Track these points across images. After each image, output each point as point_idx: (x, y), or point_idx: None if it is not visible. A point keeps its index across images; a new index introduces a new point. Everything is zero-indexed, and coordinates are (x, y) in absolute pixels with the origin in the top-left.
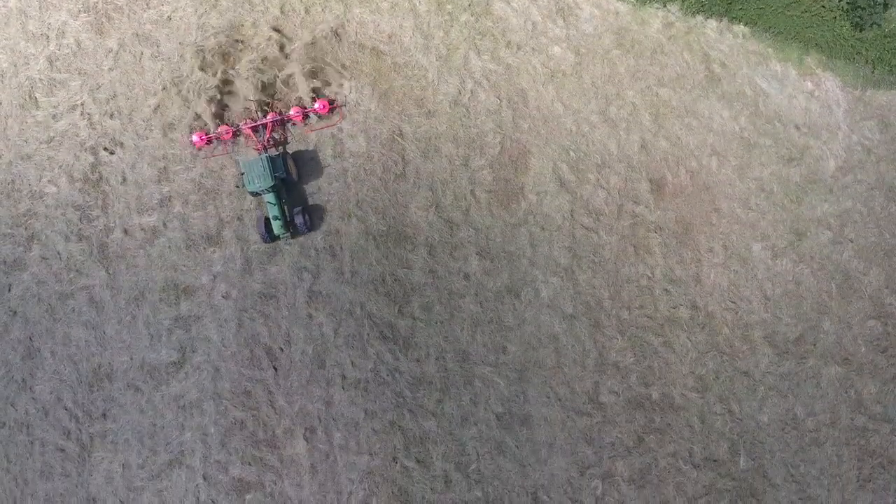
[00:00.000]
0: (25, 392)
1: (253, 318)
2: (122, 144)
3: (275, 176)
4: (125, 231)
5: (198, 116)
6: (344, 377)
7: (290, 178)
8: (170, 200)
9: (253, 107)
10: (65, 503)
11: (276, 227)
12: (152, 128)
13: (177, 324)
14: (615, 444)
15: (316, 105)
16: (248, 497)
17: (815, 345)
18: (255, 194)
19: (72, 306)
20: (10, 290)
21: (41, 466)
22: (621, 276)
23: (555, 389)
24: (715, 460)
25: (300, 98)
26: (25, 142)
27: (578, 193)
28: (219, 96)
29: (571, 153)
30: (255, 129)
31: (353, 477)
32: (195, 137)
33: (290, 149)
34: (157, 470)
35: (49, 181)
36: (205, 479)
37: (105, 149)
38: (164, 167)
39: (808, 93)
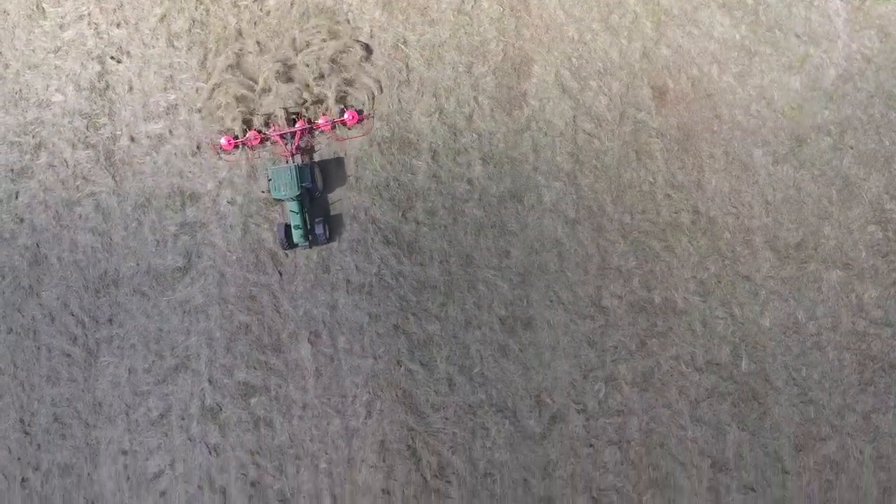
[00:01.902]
0: (32, 298)
1: (258, 223)
2: (128, 53)
3: (301, 185)
4: (132, 138)
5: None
6: (348, 282)
7: (315, 188)
8: (176, 108)
9: (282, 114)
10: (71, 407)
11: (297, 235)
12: (158, 37)
13: (182, 230)
14: (618, 347)
15: (345, 116)
16: (253, 400)
17: (815, 250)
18: (279, 201)
19: (78, 213)
20: (17, 198)
21: (47, 371)
22: (623, 182)
23: (558, 293)
24: (717, 364)
25: (329, 108)
26: (33, 51)
27: (580, 100)
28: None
29: (573, 60)
30: (283, 137)
31: (358, 380)
32: (223, 141)
33: (316, 157)
34: (162, 374)
35: (56, 90)
36: (210, 382)
37: (112, 58)
38: (171, 76)
39: (807, 2)
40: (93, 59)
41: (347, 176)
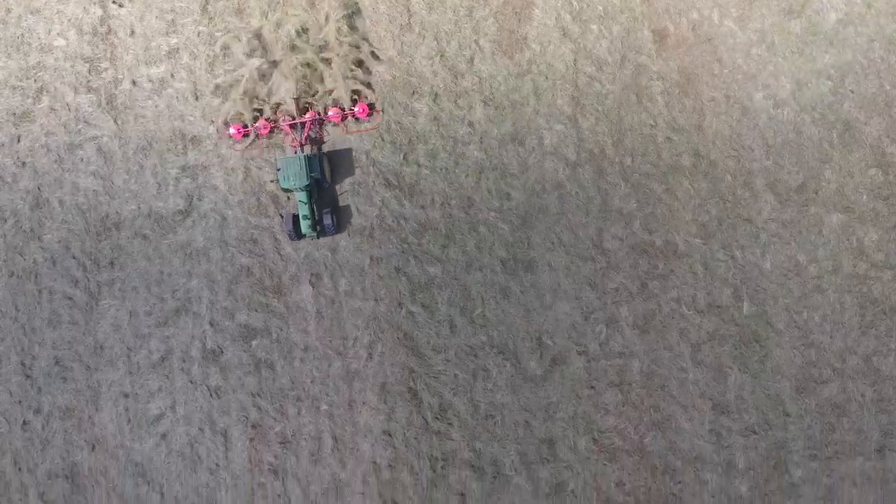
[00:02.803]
0: (34, 241)
1: (260, 166)
2: None
3: (310, 176)
4: (133, 82)
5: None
6: (349, 223)
7: (324, 179)
8: (178, 52)
9: (293, 105)
10: (72, 350)
11: (305, 226)
12: None
13: (184, 173)
14: (619, 289)
15: (355, 108)
16: (254, 343)
17: (816, 193)
18: (287, 191)
19: (80, 156)
20: (19, 142)
21: (49, 315)
22: (624, 124)
23: (559, 235)
24: (718, 306)
25: (339, 99)
26: None
27: (581, 43)
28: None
29: (574, 3)
30: (292, 127)
31: (359, 323)
32: (232, 129)
33: (324, 148)
34: (163, 317)
35: (58, 34)
36: (211, 325)
37: (114, 2)
38: (172, 20)
39: None
40: (95, 3)
41: (356, 167)
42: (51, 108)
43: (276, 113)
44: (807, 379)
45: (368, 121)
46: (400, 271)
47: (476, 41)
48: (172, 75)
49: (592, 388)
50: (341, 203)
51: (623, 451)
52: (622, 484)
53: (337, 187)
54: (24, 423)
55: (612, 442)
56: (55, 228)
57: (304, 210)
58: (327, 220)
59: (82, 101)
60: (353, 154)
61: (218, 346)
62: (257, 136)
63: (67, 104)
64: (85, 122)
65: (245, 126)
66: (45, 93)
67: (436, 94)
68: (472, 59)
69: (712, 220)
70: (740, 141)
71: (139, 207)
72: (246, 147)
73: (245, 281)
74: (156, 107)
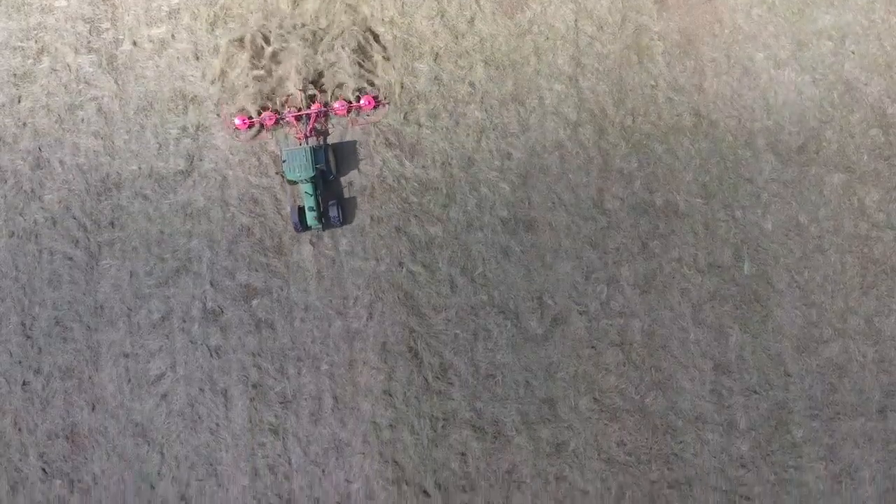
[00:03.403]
0: (34, 202)
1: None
2: None
3: (316, 167)
4: (134, 43)
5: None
6: (350, 183)
7: (329, 171)
8: (178, 12)
9: (299, 96)
10: (72, 311)
11: (310, 218)
12: None
13: (185, 133)
14: (620, 249)
15: (361, 101)
16: (254, 302)
17: (817, 153)
18: (292, 183)
19: (81, 117)
20: (19, 102)
21: (49, 275)
22: (625, 85)
23: (559, 195)
24: (719, 266)
25: (345, 92)
26: None
27: (582, 3)
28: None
29: None
30: (298, 119)
31: (359, 282)
32: (237, 121)
33: (330, 140)
34: (164, 277)
35: None
36: (212, 285)
37: None
38: None
39: None
40: None
41: (361, 160)
42: (51, 69)
43: (282, 105)
44: (808, 339)
45: (374, 113)
46: (400, 231)
47: (477, 1)
48: (173, 36)
49: (593, 347)
50: (347, 195)
51: (624, 411)
52: (623, 443)
53: (342, 179)
54: (24, 383)
55: (613, 402)
56: (56, 189)
57: (309, 202)
58: (333, 213)
59: (83, 61)
60: (359, 146)
61: (218, 306)
62: (262, 127)
63: (68, 65)
64: (85, 82)
65: (250, 117)
66: (45, 53)
67: (436, 55)
68: (472, 20)
69: (713, 180)
70: (741, 101)
71: (140, 168)
72: (250, 138)
73: (245, 241)
74: (156, 67)
